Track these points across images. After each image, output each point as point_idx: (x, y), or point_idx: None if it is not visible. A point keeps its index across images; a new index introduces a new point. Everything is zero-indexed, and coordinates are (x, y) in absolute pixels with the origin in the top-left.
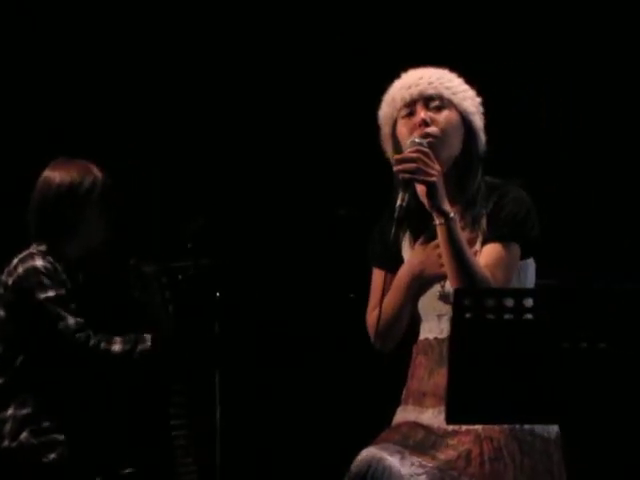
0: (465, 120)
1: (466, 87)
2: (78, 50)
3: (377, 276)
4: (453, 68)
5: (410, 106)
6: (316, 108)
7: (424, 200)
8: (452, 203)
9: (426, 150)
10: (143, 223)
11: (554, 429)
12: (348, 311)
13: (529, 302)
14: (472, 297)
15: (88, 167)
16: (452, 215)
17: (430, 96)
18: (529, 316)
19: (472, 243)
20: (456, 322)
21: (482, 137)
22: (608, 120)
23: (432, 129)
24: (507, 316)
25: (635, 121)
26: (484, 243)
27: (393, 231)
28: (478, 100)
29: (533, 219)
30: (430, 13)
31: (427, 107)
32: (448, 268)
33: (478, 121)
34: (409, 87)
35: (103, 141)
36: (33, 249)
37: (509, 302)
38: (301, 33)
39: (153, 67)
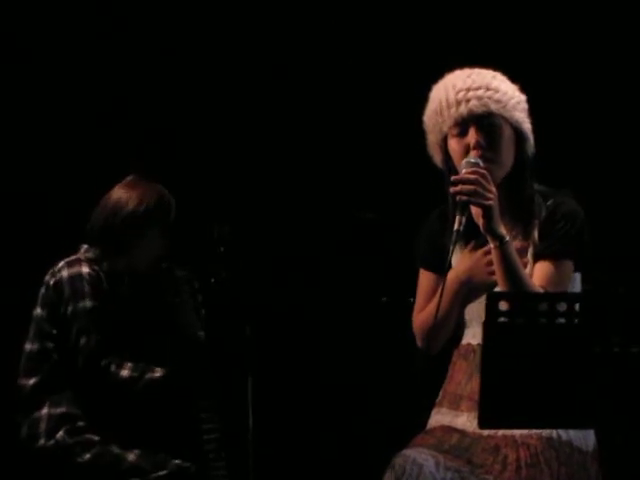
0: (516, 130)
1: (512, 90)
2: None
3: (425, 278)
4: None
5: (461, 125)
6: (340, 115)
7: (478, 221)
8: (504, 213)
9: (483, 171)
10: (174, 227)
11: (592, 442)
12: (380, 314)
13: (562, 307)
14: (505, 301)
15: (162, 193)
16: (507, 239)
17: (481, 116)
18: (562, 320)
19: (523, 253)
20: (489, 326)
21: (532, 142)
22: (607, 121)
23: (488, 153)
24: (540, 320)
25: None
26: (537, 258)
27: (450, 256)
28: (523, 99)
29: (586, 234)
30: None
31: (479, 126)
32: (502, 288)
33: (528, 127)
34: (458, 104)
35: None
36: (81, 255)
37: (542, 307)
38: (324, 35)
39: (180, 76)
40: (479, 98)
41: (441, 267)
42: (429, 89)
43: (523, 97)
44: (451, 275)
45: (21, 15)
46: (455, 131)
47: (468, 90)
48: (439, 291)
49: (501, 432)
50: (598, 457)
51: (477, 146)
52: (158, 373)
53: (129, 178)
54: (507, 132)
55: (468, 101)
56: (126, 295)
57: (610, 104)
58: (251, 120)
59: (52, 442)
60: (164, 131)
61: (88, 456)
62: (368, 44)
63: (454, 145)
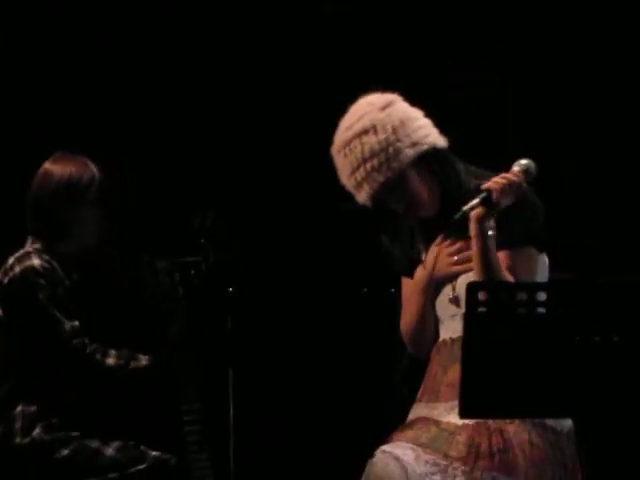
0: (417, 156)
1: (387, 132)
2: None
3: (406, 285)
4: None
5: (374, 203)
6: (322, 104)
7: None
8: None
9: (518, 179)
10: (155, 219)
11: (567, 423)
12: (361, 306)
13: (542, 296)
14: (485, 291)
15: (86, 163)
16: (491, 233)
17: (379, 190)
18: (542, 310)
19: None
20: (469, 316)
21: (437, 143)
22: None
23: (412, 209)
24: (520, 310)
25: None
26: (498, 249)
27: (449, 227)
28: (399, 121)
29: (540, 215)
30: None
31: (386, 198)
32: (477, 277)
33: (421, 143)
34: (357, 190)
35: (107, 138)
36: (29, 247)
37: (522, 296)
38: (303, 31)
39: (162, 63)
40: (365, 179)
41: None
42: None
43: (401, 118)
44: (418, 272)
45: (19, 14)
46: (372, 204)
47: (353, 173)
48: (414, 290)
49: (474, 420)
50: (574, 438)
51: (397, 209)
52: (143, 361)
53: (52, 157)
54: (409, 174)
55: (360, 185)
56: (79, 279)
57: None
58: (235, 113)
59: (28, 439)
60: (148, 123)
61: (66, 452)
62: (355, 42)
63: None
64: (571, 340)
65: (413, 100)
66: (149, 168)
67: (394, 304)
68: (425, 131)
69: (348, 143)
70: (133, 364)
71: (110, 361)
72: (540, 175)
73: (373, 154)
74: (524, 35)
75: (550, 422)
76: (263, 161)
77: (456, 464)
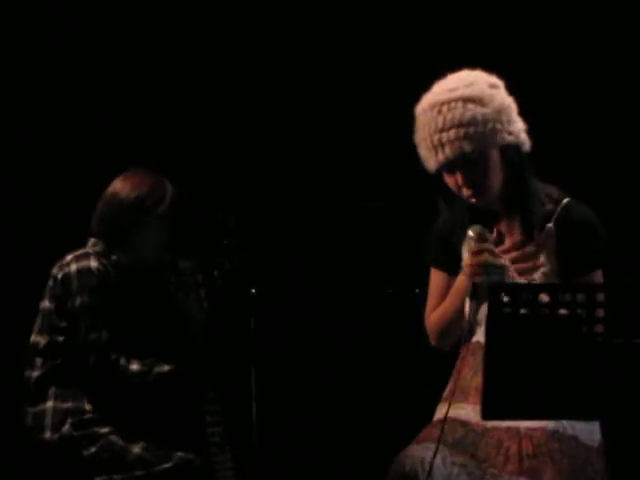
0: (502, 146)
1: (489, 109)
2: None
3: (436, 277)
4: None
5: (445, 167)
6: (344, 103)
7: None
8: (511, 217)
9: (487, 250)
10: (177, 219)
11: (597, 437)
12: (385, 306)
13: (565, 297)
14: (508, 293)
15: (160, 183)
16: None
17: (459, 158)
18: (564, 311)
19: (534, 255)
20: (493, 317)
21: (523, 141)
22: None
23: (477, 188)
24: (543, 312)
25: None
26: (571, 275)
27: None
28: (506, 106)
29: (604, 240)
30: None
31: (460, 168)
32: None
33: (514, 137)
34: (435, 149)
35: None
36: (89, 248)
37: (545, 298)
38: (321, 24)
39: (183, 64)
40: (451, 142)
41: (452, 266)
42: (432, 78)
43: (505, 103)
44: (465, 273)
45: (21, 14)
46: (442, 170)
47: (441, 132)
48: (452, 290)
49: (505, 424)
50: (604, 452)
51: (464, 186)
52: (166, 367)
53: (127, 171)
54: (492, 157)
55: (443, 146)
56: (130, 288)
57: (610, 104)
58: (256, 111)
59: (57, 435)
60: (169, 123)
61: (93, 449)
62: (375, 34)
63: (447, 179)
64: (594, 342)
65: (413, 101)
66: (172, 169)
67: (418, 304)
68: (520, 126)
69: (449, 102)
70: (157, 370)
71: (134, 367)
72: (540, 175)
73: (472, 123)
74: (524, 35)
75: (583, 437)
76: (287, 161)
77: (484, 465)
